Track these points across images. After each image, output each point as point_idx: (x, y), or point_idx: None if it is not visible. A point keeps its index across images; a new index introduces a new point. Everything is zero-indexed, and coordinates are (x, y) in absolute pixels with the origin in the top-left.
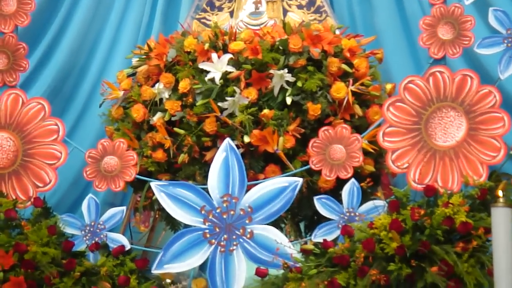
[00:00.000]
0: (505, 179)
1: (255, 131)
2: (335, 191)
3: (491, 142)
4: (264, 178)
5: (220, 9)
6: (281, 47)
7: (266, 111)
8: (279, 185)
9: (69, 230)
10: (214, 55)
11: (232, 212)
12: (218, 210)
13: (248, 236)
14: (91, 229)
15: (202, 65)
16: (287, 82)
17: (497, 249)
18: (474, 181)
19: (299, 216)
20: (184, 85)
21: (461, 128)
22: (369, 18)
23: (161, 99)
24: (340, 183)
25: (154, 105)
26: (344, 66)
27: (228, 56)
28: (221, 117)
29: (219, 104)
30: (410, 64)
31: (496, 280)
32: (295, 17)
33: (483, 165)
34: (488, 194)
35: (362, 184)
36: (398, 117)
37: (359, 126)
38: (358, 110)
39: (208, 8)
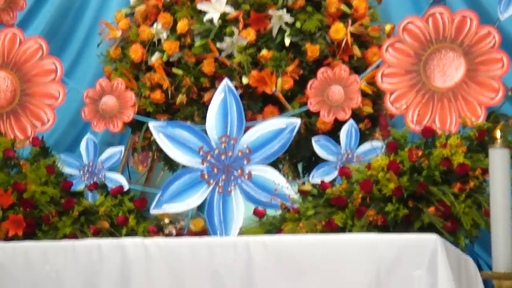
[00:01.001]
0: (503, 120)
1: (254, 72)
2: (333, 133)
3: (489, 83)
4: (262, 119)
5: None
6: None
7: (264, 52)
8: (277, 126)
9: (67, 170)
10: None
11: (230, 153)
12: (216, 151)
13: (246, 177)
14: (90, 169)
15: (201, 6)
16: (286, 23)
17: (494, 190)
18: (472, 122)
19: (297, 157)
20: (182, 25)
21: (459, 69)
22: None
23: (159, 40)
24: (338, 124)
25: (152, 46)
26: (343, 7)
27: None
28: (219, 58)
29: (218, 45)
30: (410, 5)
31: (492, 221)
32: None
33: (481, 106)
34: (486, 135)
35: (360, 125)
36: (397, 58)
37: (357, 67)
38: (357, 51)
39: None
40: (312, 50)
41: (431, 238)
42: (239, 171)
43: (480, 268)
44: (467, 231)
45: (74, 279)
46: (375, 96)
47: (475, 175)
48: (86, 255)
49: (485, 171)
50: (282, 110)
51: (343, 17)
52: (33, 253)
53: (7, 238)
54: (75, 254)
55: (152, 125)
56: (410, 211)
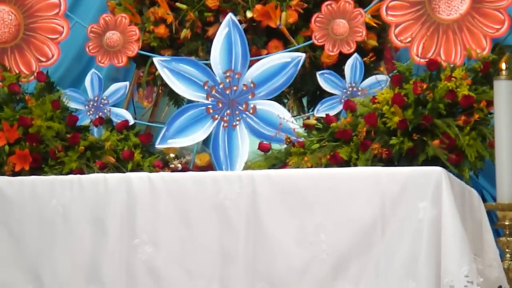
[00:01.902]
0: (509, 51)
1: (258, 6)
2: (337, 66)
3: (495, 15)
4: (266, 54)
5: None
6: None
7: None
8: (282, 60)
9: (72, 105)
10: None
11: (235, 88)
12: (221, 86)
13: (251, 111)
14: (95, 104)
15: None
16: None
17: (498, 121)
18: (477, 54)
19: (301, 91)
20: None
21: (465, 1)
22: None
23: None
24: (343, 58)
25: None
26: None
27: None
28: None
29: None
30: None
31: (497, 152)
32: None
33: (486, 38)
34: (491, 67)
35: (365, 58)
36: None
37: (362, 0)
38: None
39: None
40: None
41: (436, 170)
42: (244, 105)
43: (484, 200)
44: (471, 163)
45: (80, 213)
46: (380, 29)
47: (480, 107)
48: (92, 188)
49: (490, 103)
50: (286, 44)
51: None
52: (40, 187)
53: (14, 173)
54: (82, 188)
55: (157, 60)
56: (415, 144)
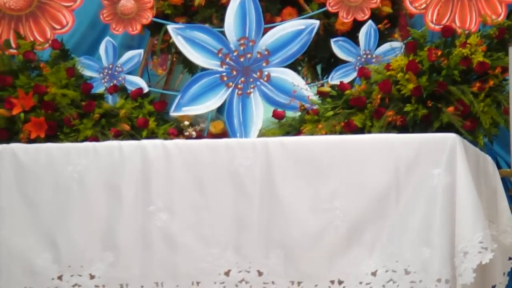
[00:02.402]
0: None
1: None
2: (352, 33)
3: None
4: (281, 21)
5: None
6: None
7: None
8: (296, 27)
9: (87, 73)
10: None
11: (249, 55)
12: (235, 53)
13: (265, 79)
14: (109, 72)
15: None
16: None
17: None
18: (492, 20)
19: (316, 59)
20: None
21: None
22: None
23: None
24: (357, 25)
25: None
26: None
27: None
28: None
29: None
30: None
31: None
32: None
33: (501, 3)
34: (506, 33)
35: (379, 25)
36: None
37: None
38: None
39: None
40: None
41: (450, 137)
42: (258, 73)
43: (499, 166)
44: (486, 130)
45: (96, 180)
46: None
47: (495, 73)
48: (107, 156)
49: (505, 69)
50: (300, 12)
51: None
52: (55, 154)
53: (29, 141)
54: (97, 155)
55: (171, 27)
56: (429, 111)
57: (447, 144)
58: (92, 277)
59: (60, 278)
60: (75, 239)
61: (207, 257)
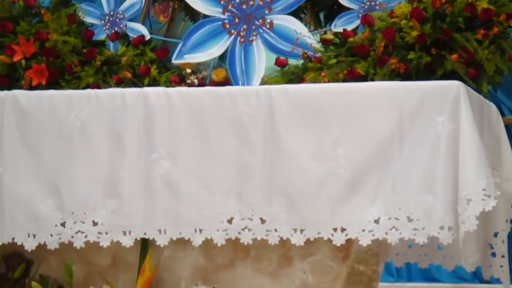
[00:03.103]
0: None
1: None
2: None
3: None
4: None
5: None
6: None
7: None
8: None
9: (88, 20)
10: None
11: (251, 2)
12: (237, 0)
13: (268, 26)
14: (111, 19)
15: None
16: None
17: None
18: None
19: (319, 6)
20: None
21: None
22: None
23: None
24: None
25: None
26: None
27: None
28: None
29: None
30: None
31: None
32: None
33: None
34: None
35: None
36: None
37: None
38: None
39: None
40: None
41: (454, 84)
42: (261, 20)
43: (502, 114)
44: (490, 77)
45: (98, 127)
46: None
47: (499, 20)
48: (110, 103)
49: (509, 16)
50: None
51: None
52: (58, 101)
53: (31, 88)
54: (99, 103)
55: None
56: (433, 58)
57: (451, 91)
58: (95, 224)
59: (63, 224)
60: (78, 186)
61: (210, 205)
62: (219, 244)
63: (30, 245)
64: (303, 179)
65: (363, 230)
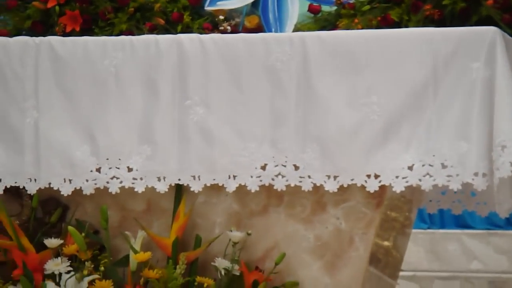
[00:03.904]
0: None
1: None
2: None
3: None
4: None
5: None
6: None
7: None
8: None
9: None
10: None
11: None
12: None
13: None
14: None
15: None
16: None
17: None
18: None
19: None
20: None
21: None
22: None
23: None
24: None
25: None
26: None
27: None
28: None
29: None
30: None
31: None
32: None
33: None
34: None
35: None
36: None
37: None
38: None
39: None
40: None
41: (490, 30)
42: None
43: None
44: None
45: (132, 74)
46: None
47: None
48: (144, 50)
49: None
50: None
51: None
52: (92, 47)
53: (64, 34)
54: (133, 49)
55: None
56: (468, 4)
57: (486, 37)
58: (130, 169)
59: (98, 170)
60: (113, 132)
61: (243, 151)
62: (252, 191)
63: (66, 190)
64: (337, 125)
65: (397, 177)
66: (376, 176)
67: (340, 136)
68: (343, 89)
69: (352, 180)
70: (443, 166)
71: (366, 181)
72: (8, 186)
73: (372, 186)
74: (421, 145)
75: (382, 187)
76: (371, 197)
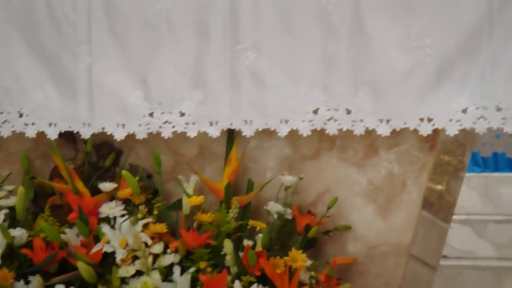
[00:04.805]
0: None
1: None
2: None
3: None
4: None
5: None
6: None
7: None
8: None
9: None
10: None
11: None
12: None
13: None
14: None
15: None
16: None
17: None
18: None
19: None
20: None
21: None
22: None
23: None
24: None
25: None
26: None
27: None
28: None
29: None
30: None
31: None
32: None
33: None
34: None
35: None
36: None
37: None
38: None
39: None
40: None
41: None
42: None
43: None
44: None
45: (184, 18)
46: None
47: None
48: None
49: None
50: None
51: None
52: None
53: None
54: None
55: None
56: None
57: None
58: (182, 114)
59: (151, 115)
60: (165, 77)
61: (295, 96)
62: (304, 135)
63: (119, 135)
64: (390, 69)
65: (450, 120)
66: (429, 120)
67: (393, 79)
68: (396, 32)
69: (405, 123)
70: (498, 109)
71: (419, 125)
72: (63, 131)
73: (425, 129)
74: (475, 88)
75: (435, 131)
76: (424, 141)
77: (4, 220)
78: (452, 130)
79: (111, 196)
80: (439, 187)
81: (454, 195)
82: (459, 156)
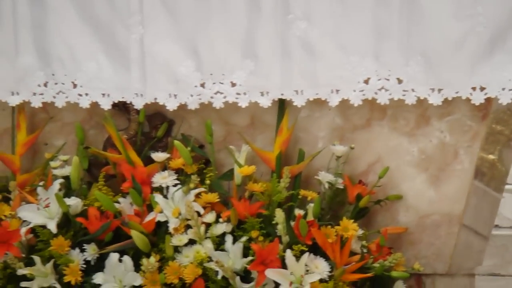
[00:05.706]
0: None
1: None
2: None
3: None
4: None
5: None
6: None
7: None
8: None
9: None
10: None
11: None
12: None
13: None
14: None
15: None
16: None
17: None
18: None
19: None
20: None
21: None
22: None
23: None
24: None
25: None
26: None
27: None
28: None
29: None
30: None
31: None
32: None
33: None
34: None
35: None
36: None
37: None
38: None
39: None
40: None
41: None
42: None
43: None
44: None
45: None
46: None
47: None
48: None
49: None
50: None
51: None
52: None
53: None
54: None
55: None
56: None
57: None
58: (233, 84)
59: (202, 85)
60: (216, 47)
61: (346, 65)
62: (355, 105)
63: (171, 105)
64: (441, 38)
65: (503, 89)
66: (482, 89)
67: (444, 48)
68: (448, 0)
69: (457, 92)
70: None
71: (471, 94)
72: (116, 101)
73: (478, 98)
74: None
75: (488, 100)
76: (476, 110)
77: (60, 190)
78: (504, 99)
79: (164, 166)
80: (491, 156)
81: (507, 165)
82: (511, 125)
